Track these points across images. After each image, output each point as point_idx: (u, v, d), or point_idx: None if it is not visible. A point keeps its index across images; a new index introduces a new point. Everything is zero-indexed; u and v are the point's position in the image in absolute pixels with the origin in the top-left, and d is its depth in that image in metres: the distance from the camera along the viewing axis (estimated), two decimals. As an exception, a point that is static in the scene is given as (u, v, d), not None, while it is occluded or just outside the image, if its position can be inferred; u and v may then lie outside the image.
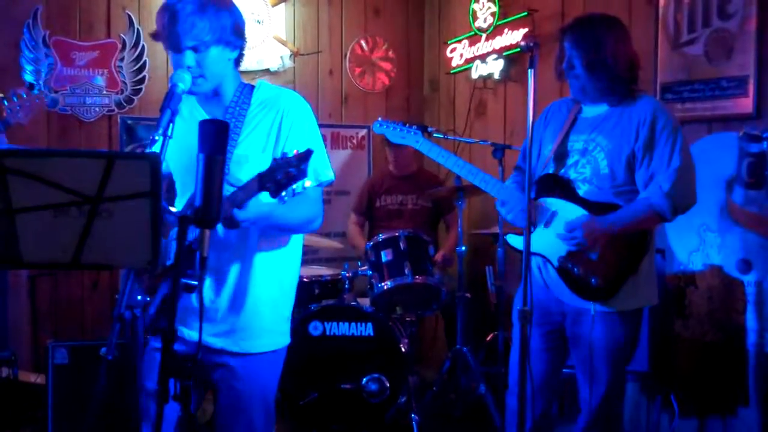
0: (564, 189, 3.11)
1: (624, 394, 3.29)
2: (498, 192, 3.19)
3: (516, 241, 3.21)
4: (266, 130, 2.48)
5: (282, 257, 2.58)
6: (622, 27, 3.17)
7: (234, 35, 2.42)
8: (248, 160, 2.44)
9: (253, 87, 2.54)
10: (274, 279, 2.56)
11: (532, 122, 2.76)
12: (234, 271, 2.47)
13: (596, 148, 3.08)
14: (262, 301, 2.53)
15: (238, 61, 2.49)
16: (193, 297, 2.37)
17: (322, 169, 2.50)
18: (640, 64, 3.15)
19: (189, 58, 2.34)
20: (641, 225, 3.01)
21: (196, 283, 2.02)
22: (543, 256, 3.13)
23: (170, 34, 2.32)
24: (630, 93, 3.08)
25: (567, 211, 3.08)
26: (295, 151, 2.14)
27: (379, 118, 3.46)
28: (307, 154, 2.13)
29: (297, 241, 2.64)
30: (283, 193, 2.17)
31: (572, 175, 3.13)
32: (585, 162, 3.10)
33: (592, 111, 3.17)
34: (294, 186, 2.17)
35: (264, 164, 2.40)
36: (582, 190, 3.09)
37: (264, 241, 2.50)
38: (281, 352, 2.64)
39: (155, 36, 2.41)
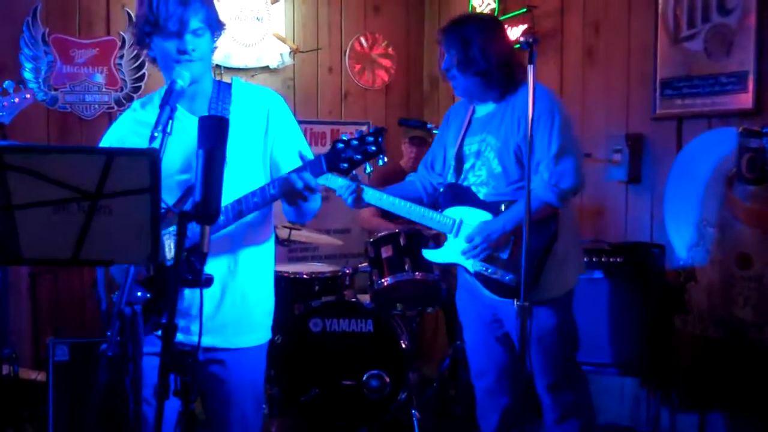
0: (465, 196, 3.17)
1: (582, 379, 3.29)
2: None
3: (432, 255, 3.33)
4: (254, 127, 2.51)
5: (264, 254, 2.60)
6: (495, 24, 3.23)
7: (218, 24, 2.47)
8: (237, 155, 2.45)
9: (229, 84, 2.55)
10: (258, 275, 2.58)
11: (531, 119, 2.74)
12: (221, 268, 2.48)
13: (487, 149, 3.12)
14: (249, 298, 2.55)
15: (212, 53, 2.52)
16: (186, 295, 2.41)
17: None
18: (516, 58, 3.14)
19: (190, 42, 2.35)
20: (535, 217, 2.95)
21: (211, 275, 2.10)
22: (459, 265, 3.20)
23: (178, 17, 2.32)
24: (509, 87, 3.09)
25: (471, 218, 3.13)
26: (365, 128, 2.24)
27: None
28: (381, 131, 2.23)
29: (272, 238, 2.67)
30: (354, 172, 2.26)
31: (471, 179, 3.18)
32: (480, 164, 3.15)
33: (482, 110, 3.21)
34: (370, 164, 2.27)
35: (252, 161, 2.49)
36: (482, 193, 3.14)
37: (249, 238, 2.52)
38: (266, 346, 2.66)
39: (146, 23, 2.38)
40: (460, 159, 3.22)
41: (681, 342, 3.99)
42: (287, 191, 2.29)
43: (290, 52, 5.73)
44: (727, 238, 3.81)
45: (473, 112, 3.26)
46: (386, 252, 4.46)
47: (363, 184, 3.18)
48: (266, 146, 2.52)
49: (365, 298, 4.51)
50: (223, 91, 2.52)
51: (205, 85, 2.49)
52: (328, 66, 5.96)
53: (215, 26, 2.45)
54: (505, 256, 3.06)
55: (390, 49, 6.13)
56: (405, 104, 6.24)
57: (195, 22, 2.35)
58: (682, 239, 4.01)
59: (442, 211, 3.22)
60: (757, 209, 3.67)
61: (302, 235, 4.84)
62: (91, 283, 5.24)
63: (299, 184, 2.25)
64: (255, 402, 2.62)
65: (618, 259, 3.87)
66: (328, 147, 2.39)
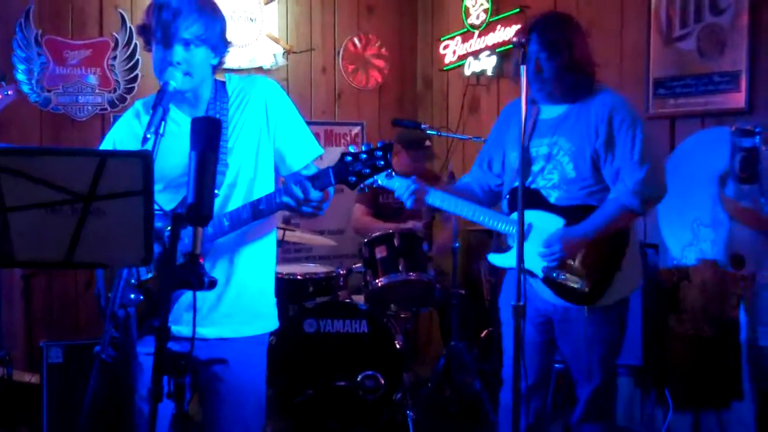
0: (534, 199, 3.09)
1: (616, 386, 3.32)
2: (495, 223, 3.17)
3: (498, 260, 3.22)
4: (254, 121, 2.51)
5: (267, 245, 2.61)
6: (580, 25, 3.16)
7: (221, 42, 2.44)
8: (242, 152, 2.47)
9: (223, 82, 2.55)
10: (261, 266, 2.59)
11: (524, 119, 2.75)
12: (225, 260, 2.49)
13: (560, 152, 3.06)
14: (252, 288, 2.55)
15: (215, 69, 2.50)
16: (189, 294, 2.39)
17: (316, 144, 2.58)
18: (594, 61, 3.12)
19: (178, 53, 2.33)
20: (616, 225, 3.00)
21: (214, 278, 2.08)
22: (527, 270, 3.07)
23: (166, 26, 2.31)
24: (586, 91, 3.06)
25: (542, 221, 3.07)
26: (373, 143, 2.22)
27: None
28: (389, 146, 2.22)
29: (275, 230, 2.68)
30: (362, 185, 2.24)
31: (540, 182, 3.11)
32: (551, 168, 3.08)
33: (550, 112, 3.14)
34: (378, 177, 2.25)
35: (260, 155, 2.48)
36: (553, 196, 3.08)
37: (253, 230, 2.52)
38: (267, 337, 2.65)
39: (142, 28, 2.40)
40: (527, 161, 3.12)
41: (675, 341, 3.99)
42: (289, 201, 2.28)
43: (284, 53, 5.72)
44: (721, 237, 3.82)
45: (538, 112, 3.17)
46: (380, 252, 4.46)
47: (426, 186, 3.12)
48: (269, 137, 2.52)
49: (359, 299, 4.50)
50: (219, 91, 2.51)
51: (204, 90, 2.49)
52: (322, 66, 5.95)
53: (215, 43, 2.41)
54: (577, 263, 3.01)
55: (383, 50, 6.13)
56: (398, 104, 6.24)
57: (186, 34, 2.32)
58: (676, 239, 4.02)
59: (509, 214, 3.15)
60: (750, 208, 3.68)
61: (296, 235, 4.84)
62: (85, 284, 5.24)
63: (299, 194, 2.24)
64: (257, 404, 2.61)
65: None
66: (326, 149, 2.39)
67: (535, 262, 3.05)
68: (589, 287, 3.00)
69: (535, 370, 3.19)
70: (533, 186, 3.12)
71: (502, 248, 3.27)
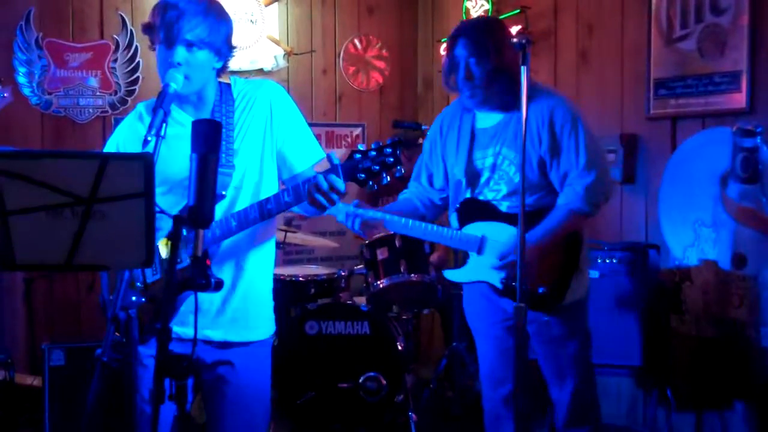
0: (485, 210, 3.09)
1: (594, 382, 3.28)
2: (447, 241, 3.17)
3: (453, 275, 3.23)
4: (259, 122, 2.51)
5: (268, 250, 2.61)
6: (507, 28, 3.14)
7: (225, 46, 2.44)
8: (248, 154, 2.48)
9: (229, 85, 2.55)
10: (263, 270, 2.60)
11: (525, 120, 2.72)
12: (230, 265, 2.49)
13: (504, 162, 3.05)
14: (256, 292, 2.57)
15: (219, 73, 2.51)
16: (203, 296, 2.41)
17: (318, 148, 2.58)
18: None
19: (180, 54, 2.33)
20: (568, 229, 3.02)
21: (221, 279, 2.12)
22: (486, 282, 3.11)
23: (170, 26, 2.31)
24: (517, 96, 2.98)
25: (496, 232, 3.05)
26: (383, 141, 2.20)
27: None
28: (399, 142, 2.19)
29: (274, 236, 2.68)
30: (371, 182, 2.20)
31: (488, 194, 3.10)
32: (497, 178, 3.07)
33: (487, 120, 3.11)
34: (388, 175, 2.20)
35: (265, 157, 2.49)
36: (504, 206, 3.07)
37: (257, 235, 2.52)
38: (270, 341, 2.67)
39: (147, 27, 2.40)
40: (472, 172, 3.12)
41: (677, 342, 3.99)
42: (312, 194, 2.24)
43: (284, 55, 5.72)
44: (722, 237, 3.82)
45: (474, 120, 3.15)
46: (382, 254, 4.45)
47: (361, 208, 3.03)
48: (273, 139, 2.52)
49: (361, 301, 4.50)
50: (225, 93, 2.52)
51: (209, 92, 2.49)
52: (322, 68, 5.95)
53: (219, 46, 2.41)
54: (536, 270, 2.97)
55: (384, 51, 6.12)
56: (399, 106, 6.23)
57: (189, 35, 2.32)
58: (677, 239, 4.02)
59: (460, 228, 3.14)
60: (751, 208, 3.68)
61: (297, 237, 4.84)
62: (87, 287, 5.24)
63: (324, 186, 2.21)
64: (262, 406, 2.61)
65: (613, 260, 3.88)
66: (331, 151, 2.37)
67: (492, 275, 3.06)
68: (550, 291, 3.00)
69: (512, 374, 3.14)
70: (481, 198, 3.12)
71: (458, 264, 3.27)
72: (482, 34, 3.00)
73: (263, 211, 2.34)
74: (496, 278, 3.06)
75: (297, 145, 2.54)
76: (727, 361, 3.80)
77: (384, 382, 4.22)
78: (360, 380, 4.22)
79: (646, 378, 4.04)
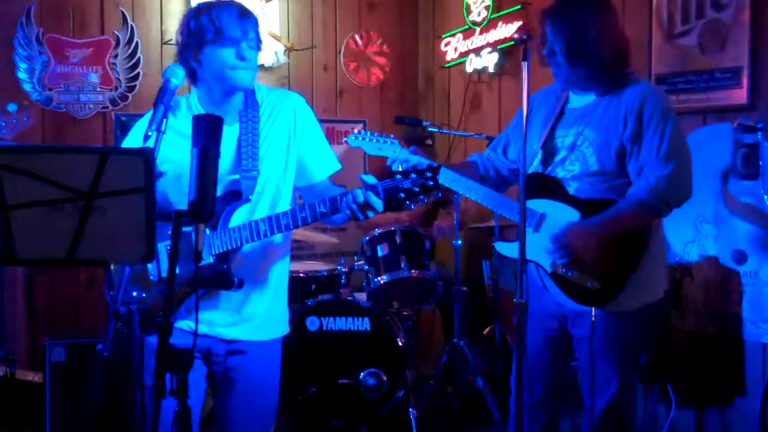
0: (552, 188, 2.94)
1: (635, 399, 3.12)
2: (491, 202, 3.03)
3: (504, 248, 3.06)
4: (284, 132, 2.59)
5: (286, 253, 2.72)
6: (610, 9, 2.95)
7: (261, 44, 2.58)
8: (272, 160, 2.55)
9: (253, 92, 2.61)
10: (281, 274, 2.71)
11: (526, 115, 2.69)
12: (252, 265, 2.56)
13: (584, 143, 2.90)
14: (274, 293, 2.67)
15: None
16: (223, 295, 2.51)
17: (335, 160, 2.71)
18: (630, 50, 2.97)
19: (247, 50, 2.45)
20: (632, 223, 2.83)
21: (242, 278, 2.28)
22: (535, 263, 2.94)
23: (236, 26, 2.41)
24: (618, 81, 2.88)
25: (556, 212, 2.90)
26: (418, 167, 2.30)
27: (354, 131, 3.22)
28: (438, 168, 2.30)
29: (291, 237, 2.78)
30: (408, 202, 2.30)
31: (560, 173, 2.96)
32: (573, 158, 2.93)
33: (579, 101, 2.99)
34: (426, 198, 2.30)
35: (288, 165, 2.59)
36: (572, 188, 2.92)
37: (281, 240, 2.63)
38: (280, 341, 2.78)
39: (203, 33, 2.42)
40: (549, 150, 2.98)
41: (678, 338, 3.99)
42: (349, 204, 2.32)
43: (285, 51, 5.72)
44: (723, 233, 3.82)
45: (566, 101, 3.02)
46: (382, 250, 4.46)
47: (417, 155, 2.98)
48: (295, 146, 2.62)
49: (362, 297, 4.50)
50: (249, 97, 2.58)
51: (237, 97, 2.55)
52: (323, 64, 5.95)
53: (260, 45, 2.55)
54: (589, 260, 2.81)
55: (385, 47, 6.12)
56: (400, 102, 6.23)
57: (252, 34, 2.45)
58: (678, 235, 4.02)
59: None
60: (751, 204, 3.68)
61: (298, 233, 4.83)
62: (88, 282, 5.24)
63: (360, 199, 2.29)
64: (269, 399, 2.71)
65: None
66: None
67: (543, 256, 2.91)
68: (600, 288, 2.82)
69: (545, 380, 3.05)
70: (553, 175, 2.98)
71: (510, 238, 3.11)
72: (566, 13, 2.88)
73: (296, 219, 2.39)
74: (546, 261, 2.90)
75: (317, 155, 2.65)
76: (727, 357, 3.80)
77: (384, 378, 4.22)
78: (360, 376, 4.22)
79: (646, 374, 4.04)
